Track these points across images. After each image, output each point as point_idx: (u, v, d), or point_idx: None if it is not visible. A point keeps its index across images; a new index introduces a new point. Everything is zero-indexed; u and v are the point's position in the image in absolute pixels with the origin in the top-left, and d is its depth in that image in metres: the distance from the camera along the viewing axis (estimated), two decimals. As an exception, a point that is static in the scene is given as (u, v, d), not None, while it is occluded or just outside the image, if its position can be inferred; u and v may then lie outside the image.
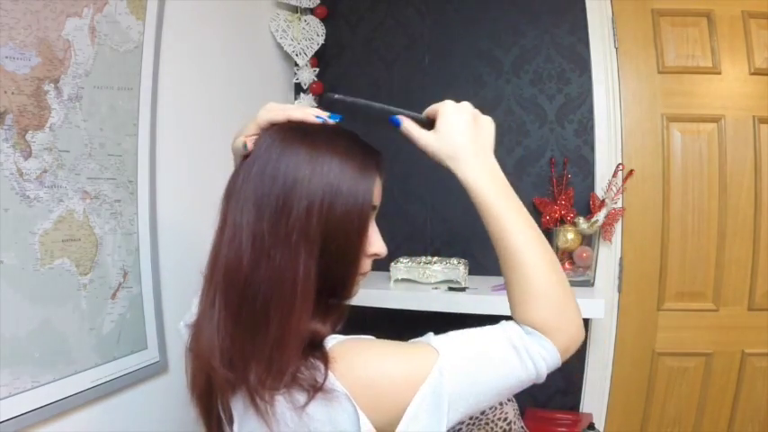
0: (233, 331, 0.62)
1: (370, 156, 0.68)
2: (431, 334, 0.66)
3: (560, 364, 0.64)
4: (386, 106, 0.72)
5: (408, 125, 0.71)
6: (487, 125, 0.71)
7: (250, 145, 0.67)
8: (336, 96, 0.70)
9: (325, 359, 0.60)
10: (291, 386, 0.60)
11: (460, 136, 0.68)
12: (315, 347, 0.62)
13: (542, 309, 0.64)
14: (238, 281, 0.62)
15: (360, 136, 0.71)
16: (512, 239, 0.66)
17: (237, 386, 0.63)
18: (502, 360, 0.62)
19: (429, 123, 0.71)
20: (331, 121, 0.69)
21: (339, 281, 0.67)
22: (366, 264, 0.70)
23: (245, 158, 0.68)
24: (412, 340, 0.67)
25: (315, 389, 0.58)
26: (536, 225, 0.68)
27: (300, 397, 0.59)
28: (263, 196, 0.63)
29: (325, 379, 0.59)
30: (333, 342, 0.64)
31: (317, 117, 0.69)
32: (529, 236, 0.66)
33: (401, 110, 0.72)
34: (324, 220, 0.62)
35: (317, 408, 0.59)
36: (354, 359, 0.61)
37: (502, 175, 0.69)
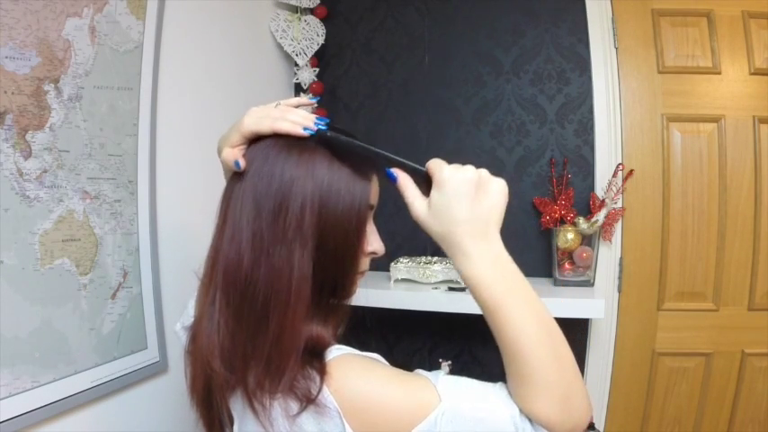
0: (234, 330, 0.62)
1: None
2: (441, 374, 0.63)
3: None
4: (383, 153, 0.64)
5: (404, 183, 0.63)
6: (495, 196, 0.60)
7: (243, 163, 0.64)
8: (330, 134, 0.63)
9: (322, 371, 0.60)
10: (287, 393, 0.59)
11: (456, 219, 0.59)
12: (315, 356, 0.62)
13: (547, 407, 0.58)
14: (239, 279, 0.62)
15: (356, 137, 0.70)
16: (514, 338, 0.59)
17: (236, 386, 0.63)
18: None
19: (428, 181, 0.62)
20: (315, 127, 0.64)
21: (339, 280, 0.67)
22: (364, 262, 0.70)
23: (236, 174, 0.65)
24: (419, 371, 0.65)
25: (308, 400, 0.58)
26: (542, 308, 0.61)
27: (294, 405, 0.59)
28: (261, 194, 0.63)
29: (318, 392, 0.58)
30: (336, 353, 0.63)
31: (305, 129, 0.63)
32: (534, 331, 0.59)
33: (400, 159, 0.64)
34: (321, 219, 0.62)
35: (308, 419, 0.59)
36: (353, 378, 0.60)
37: (505, 260, 0.61)
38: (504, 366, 0.62)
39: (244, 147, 0.66)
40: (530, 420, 0.59)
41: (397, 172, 0.64)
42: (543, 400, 0.58)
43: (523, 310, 0.60)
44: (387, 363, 0.66)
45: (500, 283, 0.60)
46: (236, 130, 0.66)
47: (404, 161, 0.63)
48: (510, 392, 0.61)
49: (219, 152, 0.69)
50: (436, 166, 0.61)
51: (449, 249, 0.62)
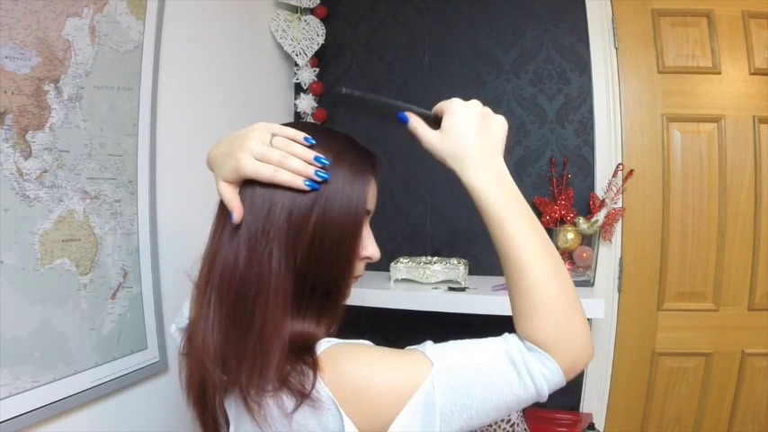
0: (227, 330, 0.62)
1: (365, 158, 0.68)
2: (429, 342, 0.64)
3: (564, 383, 0.61)
4: (393, 101, 0.72)
5: (415, 123, 0.70)
6: (498, 125, 0.68)
7: (238, 217, 0.63)
8: (345, 90, 0.71)
9: (314, 365, 0.60)
10: (281, 390, 0.59)
11: (466, 136, 0.65)
12: (306, 351, 0.62)
13: (547, 325, 0.60)
14: (234, 280, 0.62)
15: (356, 138, 0.70)
16: (517, 249, 0.62)
17: (230, 387, 0.63)
18: (499, 376, 0.59)
19: (437, 121, 0.69)
20: (318, 179, 0.62)
21: (333, 284, 0.67)
22: (359, 267, 0.71)
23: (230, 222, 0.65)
24: (409, 347, 0.65)
25: (303, 396, 0.58)
26: (543, 231, 0.65)
27: (289, 403, 0.59)
28: (257, 197, 0.63)
29: (312, 386, 0.58)
30: (325, 346, 0.63)
31: (306, 183, 0.62)
32: (536, 246, 0.62)
33: (409, 105, 0.71)
34: (317, 222, 0.62)
35: (306, 415, 0.59)
36: (345, 365, 0.61)
37: (509, 178, 0.66)
38: (507, 287, 0.64)
39: (238, 187, 0.65)
40: (530, 352, 0.60)
41: (408, 114, 0.70)
42: (544, 319, 0.60)
43: (526, 223, 0.63)
44: (376, 346, 0.65)
45: (504, 196, 0.64)
46: (233, 168, 0.63)
47: (413, 107, 0.71)
48: (513, 319, 0.63)
49: (209, 166, 0.69)
50: (445, 103, 0.69)
51: (458, 165, 0.65)
